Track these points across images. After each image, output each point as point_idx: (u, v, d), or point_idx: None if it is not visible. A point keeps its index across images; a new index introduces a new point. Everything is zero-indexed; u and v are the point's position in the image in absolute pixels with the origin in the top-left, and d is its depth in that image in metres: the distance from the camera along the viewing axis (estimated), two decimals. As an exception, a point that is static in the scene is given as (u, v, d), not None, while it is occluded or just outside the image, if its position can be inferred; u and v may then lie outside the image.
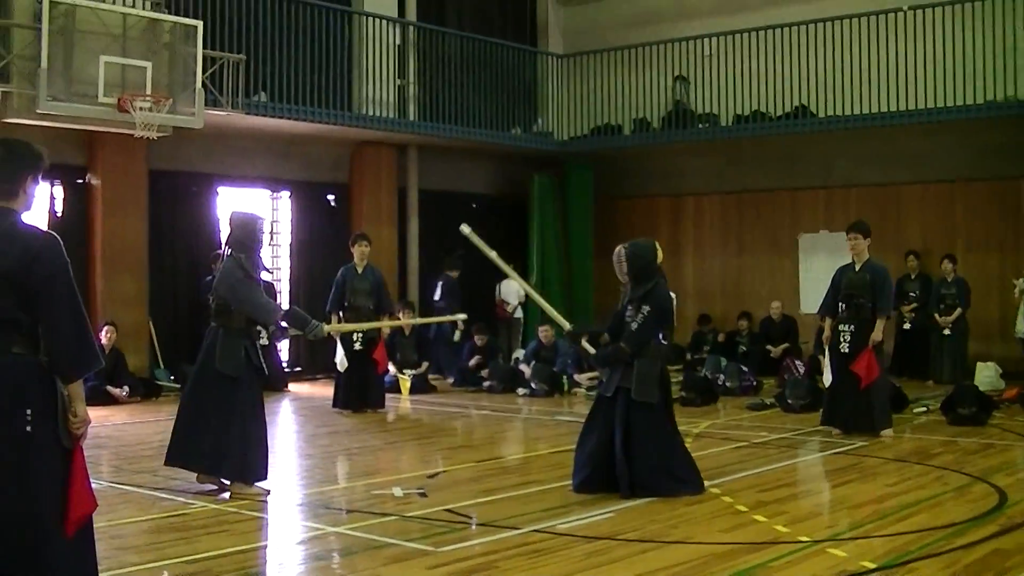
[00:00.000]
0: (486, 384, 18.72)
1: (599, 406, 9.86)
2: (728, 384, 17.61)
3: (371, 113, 19.95)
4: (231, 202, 19.43)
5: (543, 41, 24.91)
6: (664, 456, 9.55)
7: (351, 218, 20.91)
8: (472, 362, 19.36)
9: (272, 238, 20.47)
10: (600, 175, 23.86)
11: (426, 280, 21.51)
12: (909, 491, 9.75)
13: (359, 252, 15.80)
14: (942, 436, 13.02)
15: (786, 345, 20.40)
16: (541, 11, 25.15)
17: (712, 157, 23.12)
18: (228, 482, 9.70)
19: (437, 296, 20.52)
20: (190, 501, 9.31)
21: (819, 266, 20.51)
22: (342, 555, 7.67)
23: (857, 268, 13.14)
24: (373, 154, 21.10)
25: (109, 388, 16.13)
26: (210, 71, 16.15)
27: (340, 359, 15.52)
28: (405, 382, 18.07)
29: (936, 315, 18.84)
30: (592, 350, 10.33)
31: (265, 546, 8.14)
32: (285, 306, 19.49)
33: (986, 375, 17.60)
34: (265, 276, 18.59)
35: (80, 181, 17.55)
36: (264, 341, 18.23)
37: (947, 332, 18.69)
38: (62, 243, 5.39)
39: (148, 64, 15.29)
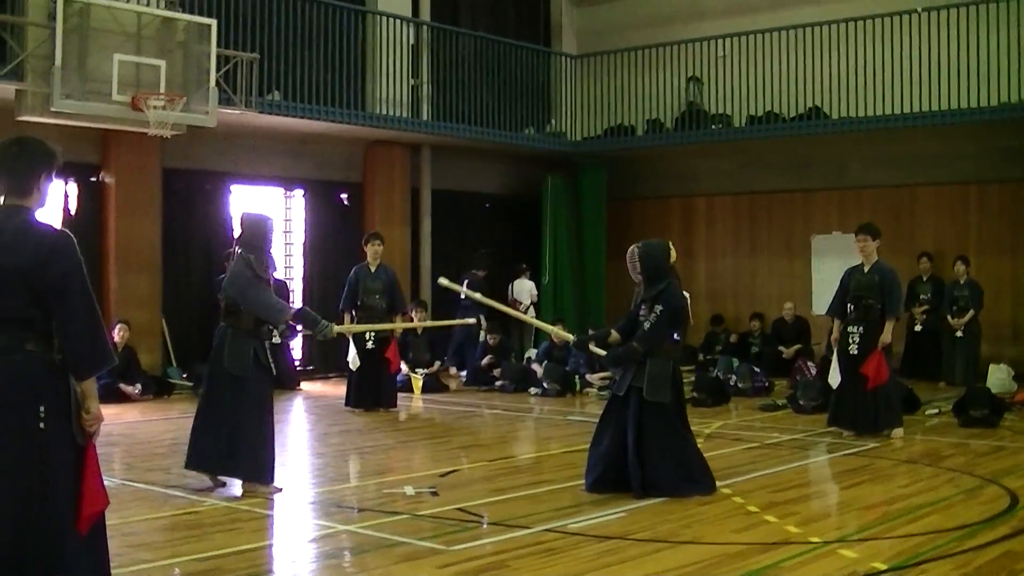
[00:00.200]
0: (498, 383, 18.74)
1: (612, 406, 9.86)
2: (740, 385, 17.60)
3: (384, 113, 19.96)
4: (244, 201, 19.47)
5: (556, 42, 24.91)
6: (676, 456, 9.55)
7: (364, 217, 20.92)
8: (484, 361, 19.38)
9: (285, 237, 20.51)
10: (613, 176, 23.85)
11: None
12: (920, 493, 9.75)
13: (372, 251, 15.81)
14: (954, 438, 13.01)
15: (798, 346, 20.38)
16: (555, 12, 25.16)
17: (725, 158, 23.10)
18: (226, 479, 9.80)
19: (463, 297, 20.51)
20: (202, 499, 9.33)
21: (831, 267, 20.36)
22: (353, 553, 7.68)
23: (866, 270, 13.13)
24: (386, 153, 21.11)
25: (122, 386, 16.17)
26: (224, 70, 16.17)
27: (352, 358, 15.53)
28: (417, 381, 18.09)
29: (948, 317, 18.81)
30: (602, 352, 10.34)
31: (277, 544, 8.16)
32: (298, 305, 19.76)
33: (998, 377, 17.56)
34: (278, 275, 18.89)
35: (94, 179, 17.59)
36: (277, 340, 18.34)
37: (959, 334, 18.65)
38: (75, 241, 5.40)
39: (162, 63, 15.31)
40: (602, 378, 17.24)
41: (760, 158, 22.57)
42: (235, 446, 9.55)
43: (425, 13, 21.44)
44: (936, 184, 20.68)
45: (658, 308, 9.66)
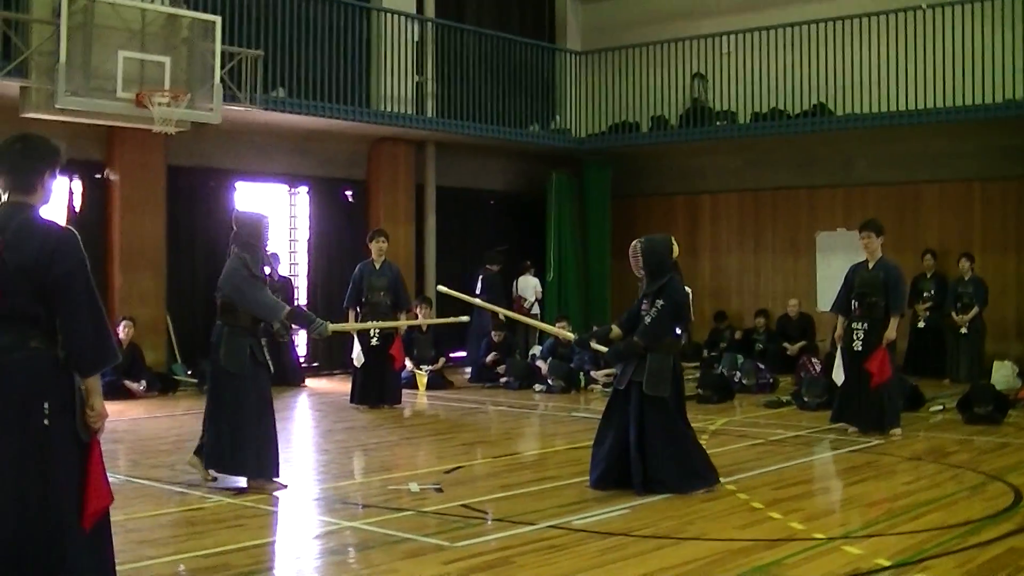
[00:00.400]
0: (503, 380, 18.75)
1: (614, 401, 9.87)
2: (745, 382, 17.62)
3: (389, 110, 19.97)
4: (249, 198, 19.49)
5: (561, 38, 24.91)
6: (678, 451, 9.55)
7: (369, 214, 20.92)
8: (489, 358, 19.39)
9: (290, 234, 20.53)
10: (618, 173, 23.84)
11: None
12: (924, 489, 9.75)
13: (376, 248, 15.82)
14: (958, 435, 13.01)
15: (803, 343, 20.38)
16: (560, 8, 25.15)
17: (730, 155, 23.09)
18: (215, 473, 9.86)
19: (478, 291, 20.54)
20: (207, 495, 9.35)
21: (836, 264, 20.40)
22: (358, 550, 7.69)
23: (870, 266, 13.11)
24: (391, 150, 21.10)
25: (126, 383, 16.19)
26: (228, 67, 16.16)
27: (357, 355, 15.54)
28: (422, 378, 18.11)
29: (953, 314, 18.81)
30: (604, 349, 10.34)
31: (281, 540, 8.17)
32: (302, 302, 19.78)
33: (1003, 374, 17.56)
34: (283, 272, 18.91)
35: (98, 176, 17.62)
36: (284, 338, 18.35)
37: (964, 331, 18.66)
38: (79, 238, 5.41)
39: (166, 59, 15.30)
40: (607, 375, 17.22)
41: (765, 155, 22.55)
42: (238, 444, 9.60)
43: (430, 10, 21.44)
44: (940, 181, 20.65)
45: (659, 303, 9.65)
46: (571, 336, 11.21)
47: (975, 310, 18.62)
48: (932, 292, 19.39)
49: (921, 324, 19.40)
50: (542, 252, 23.18)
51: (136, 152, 17.44)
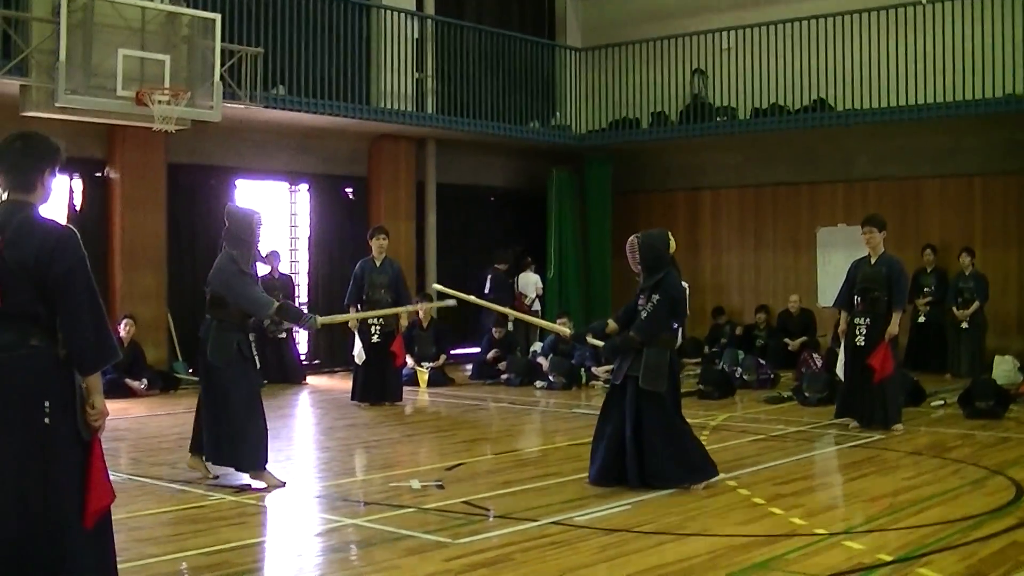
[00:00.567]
0: (504, 377, 18.76)
1: (611, 396, 9.89)
2: (746, 377, 17.62)
3: (389, 107, 19.97)
4: (249, 195, 19.51)
5: (561, 35, 24.90)
6: (676, 445, 9.55)
7: (369, 211, 20.93)
8: (490, 355, 19.40)
9: (291, 231, 20.54)
10: (618, 169, 23.83)
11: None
12: (926, 484, 9.75)
13: (377, 245, 15.81)
14: (959, 429, 13.01)
15: (804, 339, 20.36)
16: (559, 5, 25.14)
17: (730, 151, 23.08)
18: (215, 470, 9.90)
19: (487, 289, 20.56)
20: (208, 493, 9.35)
21: (837, 260, 20.45)
22: (360, 547, 7.69)
23: (872, 262, 13.10)
24: (391, 148, 21.11)
25: (128, 381, 16.19)
26: (228, 64, 16.16)
27: (358, 352, 15.53)
28: (423, 375, 18.12)
29: (954, 309, 18.81)
30: (600, 344, 10.36)
31: (283, 538, 8.18)
32: (303, 299, 19.80)
33: (1004, 369, 17.57)
34: (283, 269, 18.92)
35: (99, 175, 17.63)
36: (283, 335, 18.37)
37: (965, 326, 18.67)
38: (79, 237, 5.41)
39: (166, 57, 15.30)
40: (608, 371, 17.17)
41: (765, 151, 22.55)
42: (225, 437, 9.69)
43: (430, 7, 21.45)
44: (941, 176, 20.65)
45: (655, 298, 9.66)
46: (567, 331, 11.22)
47: (976, 305, 18.62)
48: (933, 287, 19.40)
49: (921, 319, 19.39)
50: (543, 249, 23.19)
51: (136, 150, 17.44)
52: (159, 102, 15.03)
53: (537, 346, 20.11)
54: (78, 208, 17.39)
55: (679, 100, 22.41)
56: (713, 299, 22.89)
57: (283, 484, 9.70)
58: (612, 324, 10.08)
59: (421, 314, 18.48)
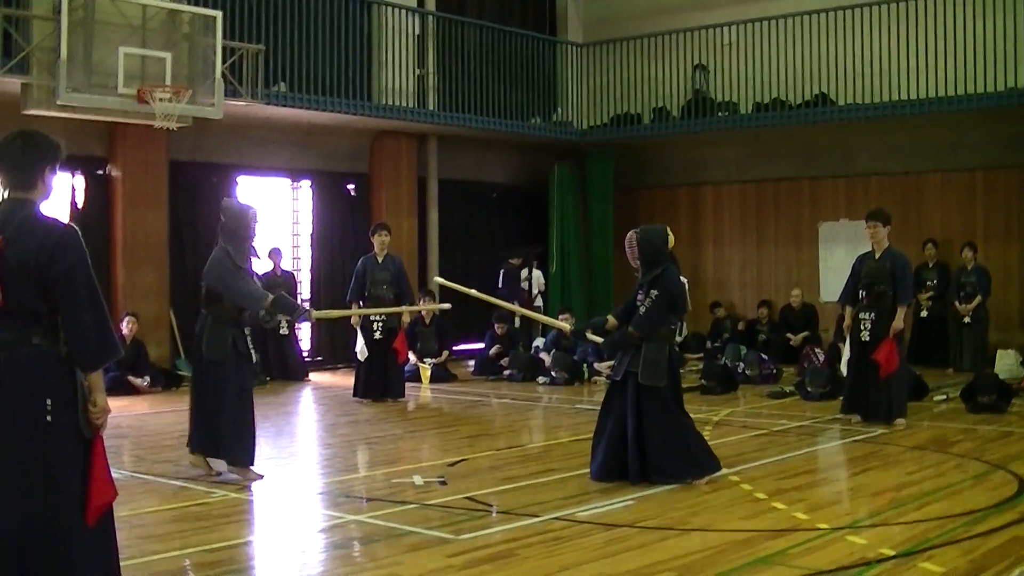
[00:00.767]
0: (506, 373, 18.77)
1: (612, 392, 9.92)
2: (748, 372, 17.60)
3: (391, 103, 19.96)
4: (251, 192, 19.51)
5: (562, 30, 24.87)
6: (677, 440, 9.56)
7: (371, 208, 20.93)
8: (492, 351, 19.40)
9: (293, 228, 20.55)
10: (620, 165, 23.82)
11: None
12: (928, 479, 9.76)
13: (379, 242, 15.81)
14: (961, 424, 13.01)
15: (806, 333, 20.36)
16: (560, 0, 25.12)
17: (732, 146, 23.07)
18: (217, 466, 9.95)
19: (500, 285, 20.60)
20: (211, 490, 9.36)
21: (839, 255, 20.48)
22: (362, 543, 7.70)
23: (877, 256, 13.09)
24: (393, 144, 21.11)
25: (131, 378, 16.20)
26: (229, 62, 16.16)
27: (360, 349, 15.54)
28: (425, 371, 18.13)
29: (956, 303, 18.82)
30: (599, 340, 10.37)
31: (286, 535, 8.17)
32: (305, 296, 19.80)
33: (1006, 363, 17.58)
34: (285, 266, 18.93)
35: (100, 172, 17.63)
36: (284, 331, 18.38)
37: (967, 320, 18.67)
38: (80, 235, 5.41)
39: (167, 55, 15.30)
40: (610, 366, 17.19)
41: (767, 146, 22.54)
42: (217, 430, 9.76)
43: (431, 3, 21.45)
44: (943, 171, 20.65)
45: (654, 293, 9.67)
46: (566, 326, 11.24)
47: (978, 299, 18.62)
48: (935, 282, 19.38)
49: (924, 314, 19.38)
50: (545, 244, 23.18)
51: (138, 148, 17.45)
52: (160, 100, 15.03)
53: (540, 342, 20.12)
54: (80, 206, 17.39)
55: (680, 95, 22.40)
56: (715, 295, 22.88)
57: (261, 476, 9.79)
58: (612, 320, 10.09)
59: (424, 311, 18.53)
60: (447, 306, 13.50)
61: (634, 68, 22.90)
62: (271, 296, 10.02)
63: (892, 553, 7.11)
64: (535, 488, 9.45)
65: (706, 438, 10.31)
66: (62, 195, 16.96)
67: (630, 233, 9.98)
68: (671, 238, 9.94)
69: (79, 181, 17.40)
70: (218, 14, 15.87)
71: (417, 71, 20.79)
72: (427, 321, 18.78)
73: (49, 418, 5.25)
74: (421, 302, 18.53)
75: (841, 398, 13.72)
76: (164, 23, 15.47)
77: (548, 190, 23.46)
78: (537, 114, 22.85)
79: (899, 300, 12.86)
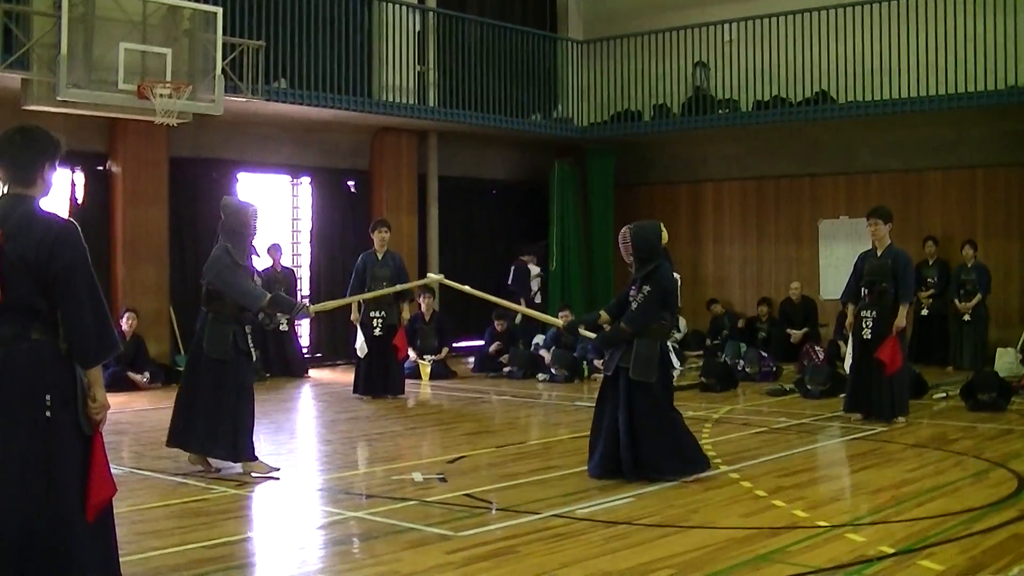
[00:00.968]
0: (506, 370, 18.77)
1: (605, 388, 9.95)
2: (748, 370, 17.58)
3: (391, 100, 19.95)
4: (251, 188, 19.51)
5: (563, 27, 24.85)
6: (669, 436, 9.58)
7: (371, 204, 20.92)
8: (492, 348, 19.40)
9: (293, 225, 20.55)
10: (620, 162, 23.81)
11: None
12: (928, 477, 9.75)
13: (379, 238, 15.81)
14: (961, 422, 13.00)
15: (806, 330, 20.34)
16: (561, -3, 25.15)
17: (732, 143, 23.05)
18: (217, 464, 9.99)
19: (510, 281, 20.63)
20: (211, 486, 9.36)
21: (839, 252, 20.50)
22: (362, 540, 7.70)
23: (878, 254, 13.08)
24: (393, 141, 21.10)
25: (130, 374, 16.20)
26: (230, 58, 16.14)
27: (360, 345, 15.54)
28: (425, 368, 18.13)
29: (956, 301, 18.81)
30: (592, 335, 10.39)
31: (286, 531, 8.17)
32: (305, 293, 19.80)
33: (1006, 361, 17.57)
34: (285, 263, 18.93)
35: (101, 168, 17.62)
36: (284, 328, 18.38)
37: (967, 318, 18.66)
38: (80, 230, 5.41)
39: (168, 51, 15.28)
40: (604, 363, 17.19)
41: (767, 143, 22.53)
42: (215, 428, 9.78)
43: (431, -1, 21.47)
44: (943, 168, 20.63)
45: (646, 289, 9.68)
46: (560, 322, 11.27)
47: (978, 297, 18.61)
48: (935, 279, 19.36)
49: (924, 311, 19.36)
50: (545, 241, 23.17)
51: (138, 144, 17.44)
52: (161, 96, 15.01)
53: (539, 339, 20.12)
54: (80, 202, 17.38)
55: (681, 92, 22.38)
56: (715, 292, 22.87)
57: (276, 469, 9.85)
58: (604, 315, 10.11)
59: (423, 307, 18.54)
60: (440, 276, 13.46)
61: (635, 65, 22.89)
62: (269, 295, 10.03)
63: (892, 551, 7.10)
64: (535, 485, 9.45)
65: (706, 436, 10.35)
66: (62, 191, 16.97)
67: (624, 228, 9.98)
68: (665, 234, 9.95)
69: (79, 177, 17.40)
70: (218, 10, 15.85)
71: (417, 67, 20.78)
72: (427, 318, 18.78)
73: (49, 414, 5.26)
74: (421, 299, 18.55)
75: (842, 396, 13.72)
76: (164, 19, 15.44)
77: (548, 187, 23.44)
78: (538, 111, 22.84)
79: (901, 298, 12.85)
